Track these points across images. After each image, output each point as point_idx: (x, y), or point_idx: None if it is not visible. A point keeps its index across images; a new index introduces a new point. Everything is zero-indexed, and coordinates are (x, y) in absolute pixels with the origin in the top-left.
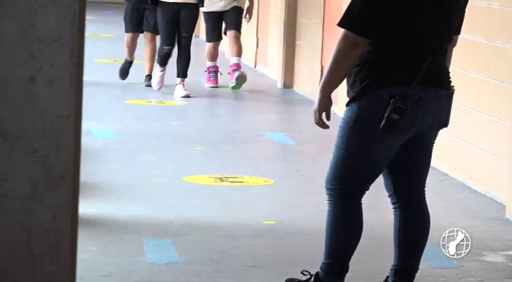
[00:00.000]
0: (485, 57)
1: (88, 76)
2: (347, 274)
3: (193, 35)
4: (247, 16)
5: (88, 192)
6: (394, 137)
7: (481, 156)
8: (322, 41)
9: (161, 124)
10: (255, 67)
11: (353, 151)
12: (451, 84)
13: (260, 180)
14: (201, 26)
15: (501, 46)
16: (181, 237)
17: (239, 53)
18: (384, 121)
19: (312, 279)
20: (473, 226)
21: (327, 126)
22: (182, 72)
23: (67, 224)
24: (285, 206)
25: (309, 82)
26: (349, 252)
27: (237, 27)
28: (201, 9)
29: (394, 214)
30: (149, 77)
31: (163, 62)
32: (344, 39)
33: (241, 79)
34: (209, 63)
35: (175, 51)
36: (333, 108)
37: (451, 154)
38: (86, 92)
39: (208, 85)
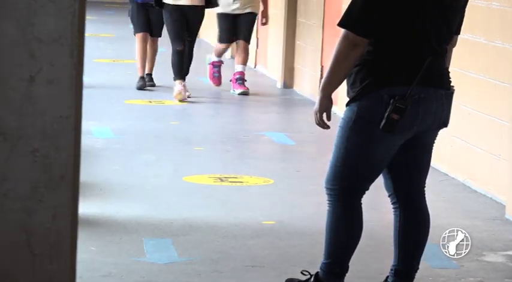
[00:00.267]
0: (485, 57)
1: (88, 76)
2: (347, 274)
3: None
4: (264, 20)
5: (88, 192)
6: (394, 137)
7: (481, 156)
8: (322, 41)
9: (161, 124)
10: (255, 67)
11: (353, 151)
12: (451, 84)
13: (260, 180)
14: (203, 27)
15: (501, 46)
16: (181, 237)
17: (245, 62)
18: (383, 121)
19: (312, 279)
20: (473, 226)
21: (328, 127)
22: (184, 72)
23: (67, 224)
24: (285, 206)
25: (309, 82)
26: (349, 252)
27: (248, 39)
28: (215, 10)
29: (394, 214)
30: (149, 76)
31: (179, 72)
32: (344, 39)
33: (243, 94)
34: (214, 58)
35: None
36: (333, 108)
37: (451, 154)
38: (86, 92)
39: (211, 83)
